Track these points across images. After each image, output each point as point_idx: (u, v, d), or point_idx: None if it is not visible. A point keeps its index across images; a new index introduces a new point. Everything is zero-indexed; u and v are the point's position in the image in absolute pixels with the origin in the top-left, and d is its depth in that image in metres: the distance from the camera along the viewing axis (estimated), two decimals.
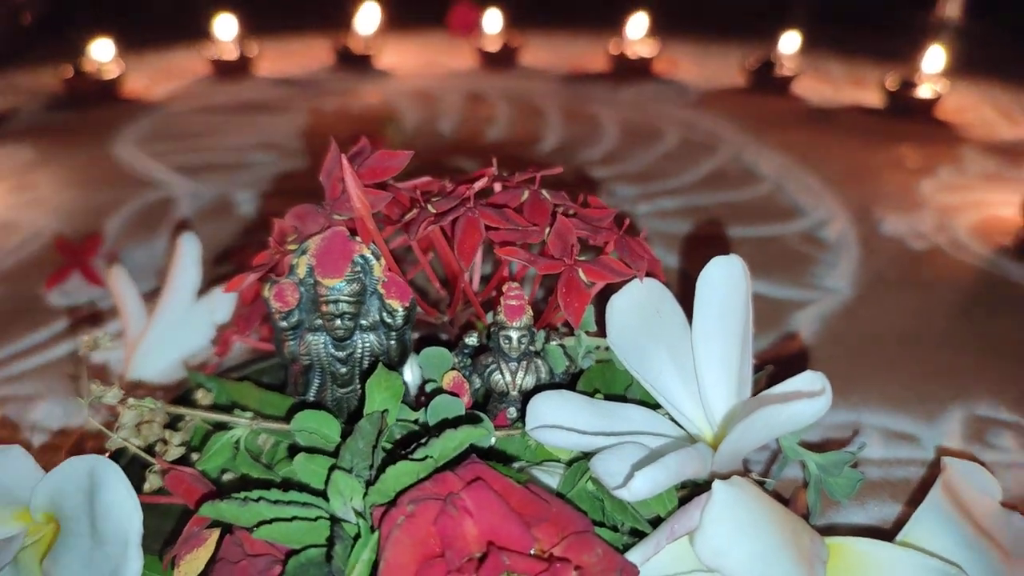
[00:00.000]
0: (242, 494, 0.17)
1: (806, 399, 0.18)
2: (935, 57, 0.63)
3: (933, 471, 0.25)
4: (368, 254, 0.21)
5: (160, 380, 0.28)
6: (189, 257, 0.28)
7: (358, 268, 0.21)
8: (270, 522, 0.17)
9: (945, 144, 0.56)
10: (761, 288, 0.36)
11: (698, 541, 0.17)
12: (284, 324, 0.21)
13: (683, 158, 0.52)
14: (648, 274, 0.22)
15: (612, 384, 0.22)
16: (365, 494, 0.17)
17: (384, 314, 0.21)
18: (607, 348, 0.22)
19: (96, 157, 0.51)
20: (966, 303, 0.36)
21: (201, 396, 0.22)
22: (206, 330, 0.28)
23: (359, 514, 0.17)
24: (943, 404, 0.29)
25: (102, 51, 0.63)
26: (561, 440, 0.20)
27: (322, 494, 0.18)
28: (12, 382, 0.30)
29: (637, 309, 0.22)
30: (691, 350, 0.21)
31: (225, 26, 0.68)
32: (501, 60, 0.72)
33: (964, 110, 0.63)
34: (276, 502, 0.17)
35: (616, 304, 0.22)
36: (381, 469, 0.17)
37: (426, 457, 0.17)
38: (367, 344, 0.21)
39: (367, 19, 0.72)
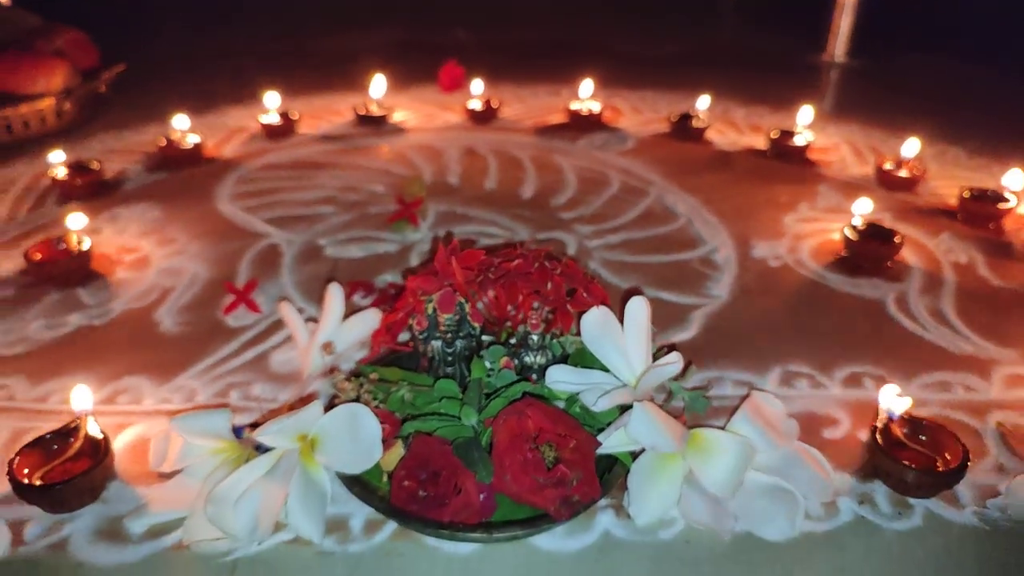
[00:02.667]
0: (422, 417, 0.37)
1: (671, 365, 0.38)
2: (807, 112, 0.84)
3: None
4: (463, 300, 0.41)
5: (321, 372, 0.47)
6: (336, 297, 0.47)
7: (458, 307, 0.40)
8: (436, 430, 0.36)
9: (808, 182, 0.77)
10: (671, 297, 0.57)
11: (629, 429, 0.37)
12: (422, 337, 0.41)
13: (623, 201, 0.73)
14: (600, 304, 0.42)
15: (585, 360, 0.42)
16: (479, 416, 0.37)
17: (469, 329, 0.41)
18: (582, 342, 0.42)
19: (206, 212, 0.69)
20: (798, 303, 0.57)
21: (374, 375, 0.42)
22: (350, 340, 0.47)
23: (478, 424, 0.37)
24: (770, 364, 0.50)
25: (181, 122, 0.80)
26: (562, 387, 0.40)
27: (455, 417, 0.37)
28: (231, 374, 0.48)
29: (596, 322, 0.42)
30: (622, 342, 0.41)
31: (272, 98, 0.87)
32: (485, 117, 0.91)
33: (828, 151, 0.85)
34: (440, 420, 0.37)
35: (585, 320, 0.41)
36: (484, 404, 0.37)
37: (504, 397, 0.37)
38: (463, 345, 0.41)
39: (378, 86, 0.91)
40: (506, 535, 0.35)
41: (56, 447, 0.40)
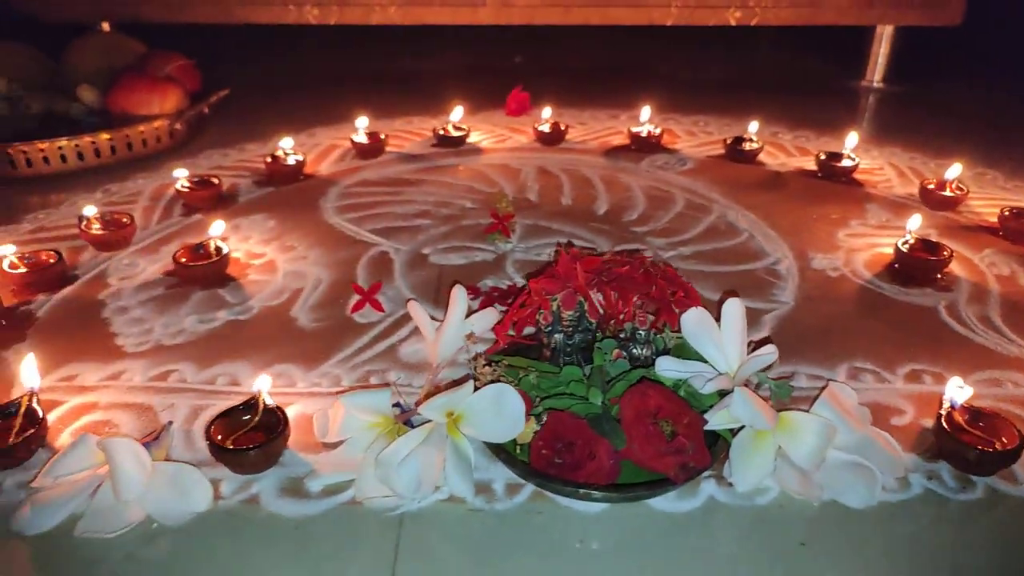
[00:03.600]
0: (554, 397, 0.43)
1: (768, 355, 0.44)
2: (853, 138, 0.90)
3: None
4: (582, 299, 0.47)
5: (448, 360, 0.54)
6: (461, 297, 0.54)
7: (578, 306, 0.47)
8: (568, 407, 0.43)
9: (857, 201, 0.83)
10: (745, 302, 0.63)
11: (731, 409, 0.43)
12: (547, 330, 0.47)
13: (689, 217, 0.79)
14: (696, 305, 0.48)
15: (683, 353, 0.48)
16: (604, 396, 0.43)
17: (587, 324, 0.47)
18: (680, 337, 0.48)
19: (317, 223, 0.76)
20: (857, 309, 0.63)
21: (504, 361, 0.48)
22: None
23: (603, 403, 0.43)
24: (837, 362, 0.56)
25: (285, 143, 0.88)
26: (670, 375, 0.46)
27: (583, 398, 0.44)
28: (367, 363, 0.55)
29: (695, 320, 0.48)
30: (717, 337, 0.47)
31: (362, 121, 0.94)
32: (553, 139, 0.98)
33: (873, 171, 0.91)
34: (571, 400, 0.43)
35: (685, 318, 0.48)
36: (607, 386, 0.43)
37: (626, 381, 0.43)
38: (580, 339, 0.48)
39: (456, 112, 0.98)
40: (631, 495, 0.41)
41: (238, 419, 0.46)
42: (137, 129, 0.88)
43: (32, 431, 0.45)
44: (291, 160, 0.86)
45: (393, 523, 0.42)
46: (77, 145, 0.85)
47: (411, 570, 0.39)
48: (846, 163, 0.88)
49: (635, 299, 0.48)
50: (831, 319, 0.61)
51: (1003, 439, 0.45)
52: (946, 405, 0.47)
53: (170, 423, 0.48)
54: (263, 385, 0.47)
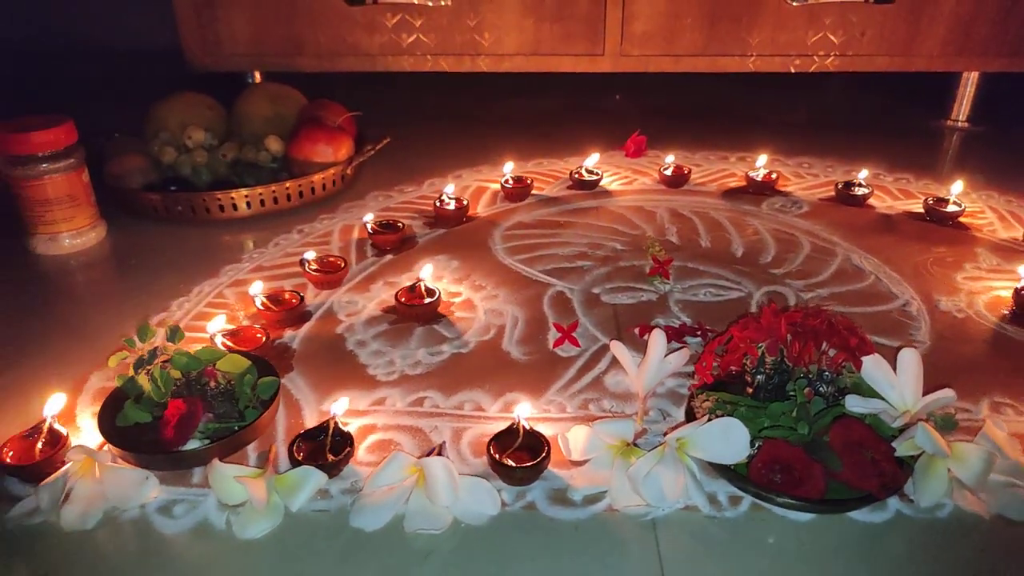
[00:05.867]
0: (770, 428, 0.54)
1: (946, 397, 0.54)
2: (958, 185, 0.99)
3: (980, 423, 0.61)
4: (782, 347, 0.57)
5: (651, 391, 0.64)
6: (660, 339, 0.64)
7: (780, 351, 0.57)
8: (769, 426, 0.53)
9: (966, 244, 0.92)
10: (884, 341, 0.73)
11: (916, 440, 0.53)
12: (752, 371, 0.58)
13: (817, 260, 0.89)
14: (871, 351, 0.58)
15: (863, 391, 0.59)
16: (811, 428, 0.54)
17: (785, 367, 0.58)
18: (855, 376, 0.58)
19: (494, 264, 0.87)
20: (987, 348, 0.72)
21: (714, 395, 0.59)
22: (667, 371, 0.64)
23: (810, 433, 0.54)
24: (979, 396, 0.65)
25: (448, 189, 0.99)
26: (858, 410, 0.56)
27: (792, 428, 0.54)
28: (581, 392, 0.66)
29: (874, 365, 0.58)
30: (893, 379, 0.57)
31: (509, 166, 1.05)
32: (677, 181, 1.09)
33: (975, 215, 1.00)
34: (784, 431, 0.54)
35: (866, 362, 0.58)
36: (814, 420, 0.54)
37: (830, 415, 0.54)
38: (778, 379, 0.58)
39: (592, 158, 1.09)
40: (840, 508, 0.52)
41: (501, 443, 0.57)
42: (318, 176, 1.00)
43: (348, 449, 0.57)
44: (454, 204, 0.98)
45: (648, 526, 0.52)
46: (274, 191, 0.97)
47: (672, 561, 0.50)
48: (952, 208, 0.97)
49: (823, 346, 0.58)
50: (965, 357, 0.71)
51: None
52: None
53: (444, 443, 0.59)
54: (521, 412, 0.58)
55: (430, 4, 1.21)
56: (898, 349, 0.71)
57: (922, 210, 0.99)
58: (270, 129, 1.10)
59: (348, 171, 1.05)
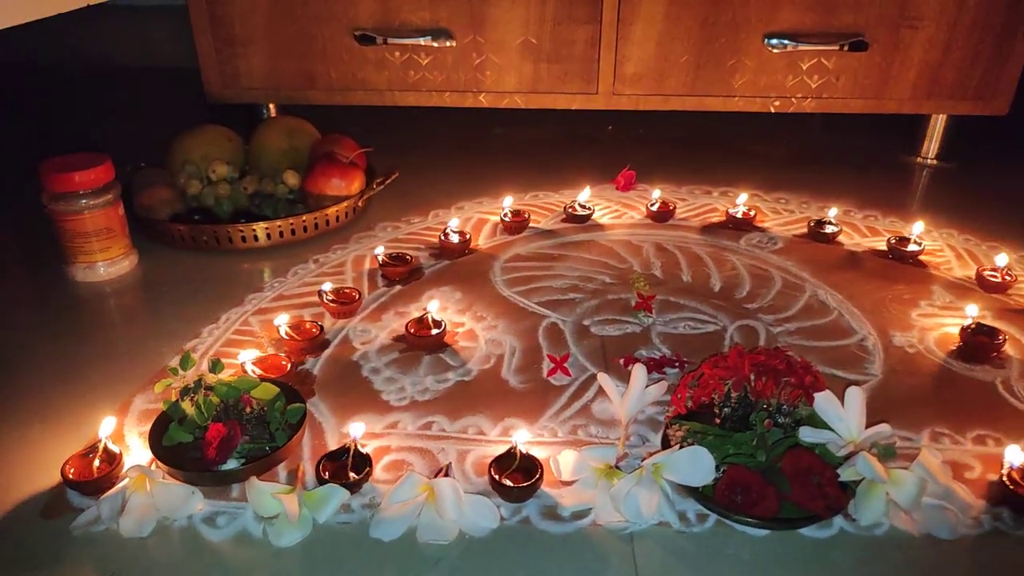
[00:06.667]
0: (733, 456, 0.62)
1: (884, 431, 0.63)
2: (919, 226, 1.08)
3: (918, 451, 0.70)
4: (746, 384, 0.66)
5: (633, 419, 0.73)
6: (641, 373, 0.73)
7: (744, 388, 0.66)
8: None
9: (923, 282, 1.01)
10: (842, 374, 0.81)
11: (857, 467, 0.61)
12: (720, 404, 0.66)
13: (788, 295, 0.97)
14: (824, 388, 0.67)
15: (813, 422, 0.67)
16: (768, 455, 0.62)
17: (748, 400, 0.66)
18: (810, 410, 0.67)
19: (495, 296, 0.96)
20: (932, 381, 0.81)
21: (686, 426, 0.67)
22: (647, 401, 0.73)
23: (767, 460, 0.62)
24: (921, 426, 0.74)
25: (453, 223, 1.08)
26: (809, 440, 0.64)
27: (751, 456, 0.63)
28: (571, 419, 0.74)
29: (825, 400, 0.66)
30: (841, 412, 0.66)
31: (508, 200, 1.14)
32: (663, 216, 1.17)
33: (934, 253, 1.09)
34: (744, 458, 0.62)
35: (818, 398, 0.66)
36: (771, 448, 0.62)
37: (783, 445, 0.62)
38: (742, 411, 0.66)
39: (584, 193, 1.18)
40: (790, 526, 0.60)
41: (500, 465, 0.66)
42: (332, 209, 1.09)
43: (367, 469, 0.65)
44: (455, 238, 1.06)
45: (627, 539, 0.61)
46: (292, 224, 1.05)
47: (647, 570, 0.58)
48: (913, 247, 1.06)
49: (781, 383, 0.67)
50: (913, 390, 0.79)
51: None
52: (1007, 466, 0.66)
53: (450, 464, 0.68)
54: (519, 437, 0.67)
55: (435, 45, 1.29)
56: (853, 382, 0.80)
57: (886, 248, 1.08)
58: (286, 160, 1.18)
59: (360, 204, 1.13)
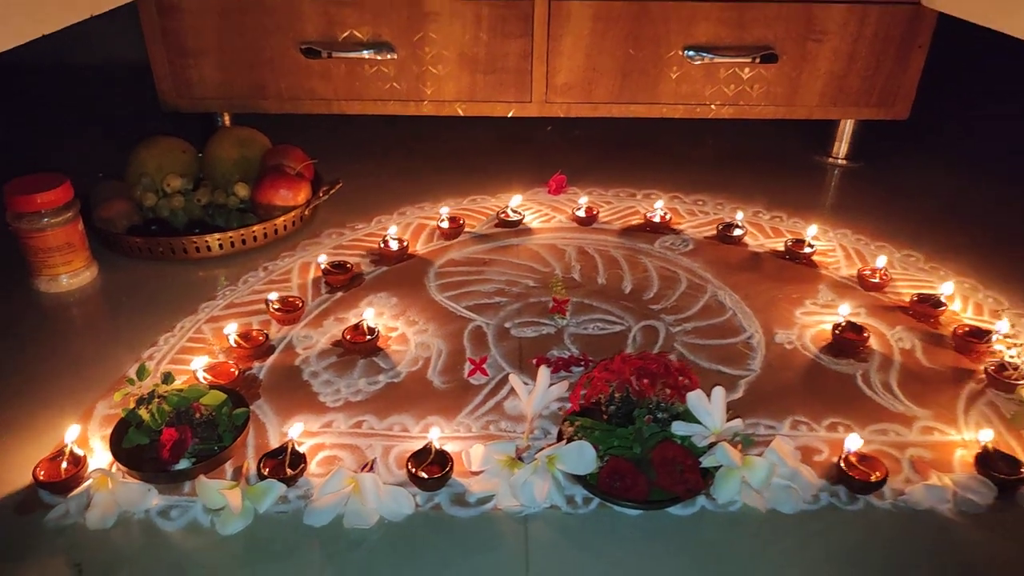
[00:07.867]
0: (614, 448, 0.73)
1: (736, 424, 0.74)
2: (812, 228, 1.19)
3: (774, 438, 0.81)
4: (627, 385, 0.77)
5: (538, 415, 0.83)
6: (545, 374, 0.83)
7: (626, 388, 0.76)
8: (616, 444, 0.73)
9: (812, 282, 1.12)
10: (727, 369, 0.92)
11: (716, 455, 0.73)
12: (606, 403, 0.77)
13: (690, 296, 1.08)
14: (696, 386, 0.78)
15: (688, 417, 0.78)
16: (642, 447, 0.73)
17: (631, 399, 0.77)
18: (684, 407, 0.78)
19: (427, 301, 1.05)
20: (802, 375, 0.92)
21: (577, 422, 0.78)
22: (551, 398, 0.83)
23: (642, 451, 0.73)
24: (784, 415, 0.86)
25: (392, 231, 1.17)
26: (680, 432, 0.76)
27: (629, 447, 0.73)
28: (485, 415, 0.85)
29: (696, 397, 0.77)
30: (710, 407, 0.77)
31: (444, 209, 1.23)
32: (587, 221, 1.27)
33: (826, 253, 1.20)
34: (622, 449, 0.73)
35: (690, 396, 0.77)
36: (645, 442, 0.73)
37: (654, 438, 0.73)
38: (626, 408, 0.77)
39: (515, 199, 1.28)
40: (659, 506, 0.72)
41: (417, 459, 0.76)
42: (280, 219, 1.17)
43: (302, 466, 0.75)
44: (395, 245, 1.15)
45: (521, 520, 0.72)
46: (243, 234, 1.14)
47: (537, 546, 0.69)
48: (807, 249, 1.17)
49: (659, 384, 0.78)
50: (784, 383, 0.91)
51: (877, 473, 0.76)
52: (845, 449, 0.78)
53: (375, 459, 0.78)
54: (434, 434, 0.77)
55: (378, 58, 1.37)
56: (736, 378, 0.91)
57: (783, 249, 1.19)
58: (238, 171, 1.26)
59: (306, 212, 1.22)
